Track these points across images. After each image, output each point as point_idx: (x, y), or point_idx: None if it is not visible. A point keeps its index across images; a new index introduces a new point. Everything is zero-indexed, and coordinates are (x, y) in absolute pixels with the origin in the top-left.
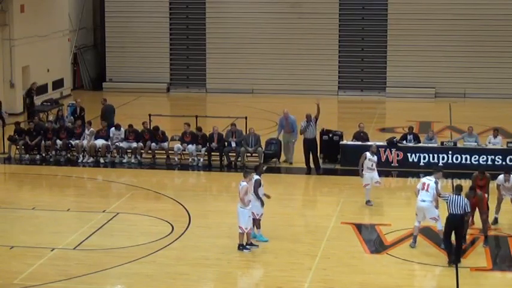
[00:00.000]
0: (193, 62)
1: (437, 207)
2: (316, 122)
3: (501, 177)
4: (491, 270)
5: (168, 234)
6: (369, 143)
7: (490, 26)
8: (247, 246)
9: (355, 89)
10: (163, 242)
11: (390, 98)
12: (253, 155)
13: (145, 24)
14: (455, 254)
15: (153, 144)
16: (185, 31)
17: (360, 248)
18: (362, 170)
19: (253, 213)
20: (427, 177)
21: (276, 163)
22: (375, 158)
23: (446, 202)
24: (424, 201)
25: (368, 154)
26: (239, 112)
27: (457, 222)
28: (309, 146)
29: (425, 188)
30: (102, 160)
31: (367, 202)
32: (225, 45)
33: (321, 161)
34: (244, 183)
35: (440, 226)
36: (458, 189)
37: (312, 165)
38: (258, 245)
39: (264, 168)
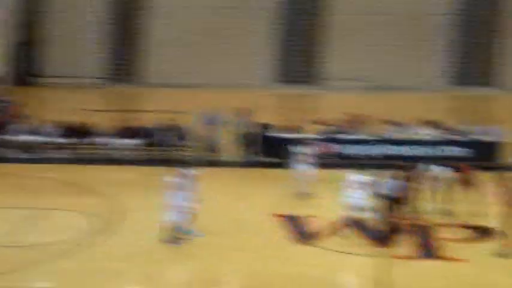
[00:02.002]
0: (130, 56)
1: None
2: (251, 117)
3: (430, 167)
4: (418, 258)
5: (102, 230)
6: (302, 136)
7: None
8: (177, 241)
9: (292, 82)
10: (97, 237)
11: (325, 91)
12: (189, 149)
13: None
14: (384, 239)
15: (89, 139)
16: (121, 26)
17: (291, 240)
18: (297, 165)
19: (186, 207)
20: (360, 175)
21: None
22: (310, 150)
23: (380, 190)
24: (355, 197)
25: (302, 148)
26: (177, 106)
27: (394, 204)
28: (243, 139)
29: (358, 186)
30: None
31: (300, 194)
32: (163, 40)
33: (255, 154)
34: (175, 179)
35: (373, 215)
36: (389, 173)
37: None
38: (190, 238)
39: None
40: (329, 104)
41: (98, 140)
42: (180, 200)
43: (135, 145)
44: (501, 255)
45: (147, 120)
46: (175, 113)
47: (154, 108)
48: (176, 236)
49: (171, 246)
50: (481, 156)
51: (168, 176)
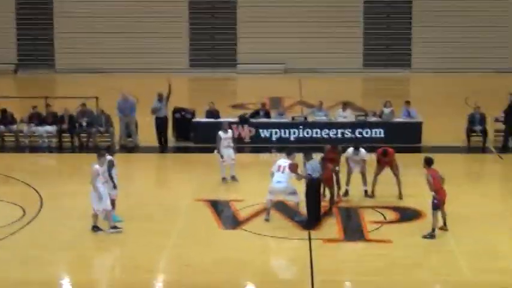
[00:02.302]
0: (41, 41)
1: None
2: (167, 101)
3: (350, 150)
4: (343, 241)
5: (20, 218)
6: (220, 120)
7: (334, 2)
8: (110, 230)
9: (206, 66)
10: (14, 226)
11: (241, 74)
12: (105, 135)
13: None
14: (309, 222)
15: (1, 126)
16: (31, 10)
17: (215, 225)
18: (219, 150)
19: (109, 194)
20: (283, 159)
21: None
22: (230, 134)
23: (307, 173)
24: (279, 182)
25: (221, 133)
26: (89, 92)
27: (317, 185)
28: (161, 124)
29: (281, 169)
30: None
31: (224, 178)
32: (74, 23)
33: (173, 139)
34: (96, 165)
35: (298, 198)
36: (309, 155)
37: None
38: (121, 228)
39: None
40: (245, 87)
41: (13, 127)
42: (103, 186)
43: (50, 132)
44: (426, 236)
45: (61, 106)
46: (89, 99)
47: (66, 94)
48: (110, 225)
49: (96, 232)
50: (399, 137)
51: (91, 162)
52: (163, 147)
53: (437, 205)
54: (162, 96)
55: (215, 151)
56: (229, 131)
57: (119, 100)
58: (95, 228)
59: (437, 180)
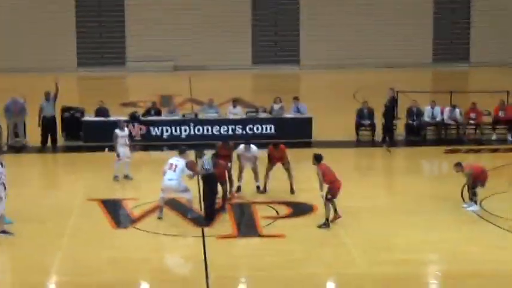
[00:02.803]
0: None
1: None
2: (55, 101)
3: (241, 147)
4: (237, 237)
5: None
6: (111, 119)
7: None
8: (1, 234)
9: (94, 65)
10: None
11: (131, 72)
12: None
13: None
14: (204, 219)
15: None
16: None
17: (108, 224)
18: (116, 149)
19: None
20: (175, 158)
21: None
22: (126, 132)
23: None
24: (171, 179)
25: (118, 131)
26: None
27: (214, 179)
28: (47, 124)
29: (173, 168)
30: None
31: (117, 177)
32: None
33: (63, 138)
34: None
35: (190, 195)
36: (201, 152)
37: (49, 143)
38: (13, 233)
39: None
40: (135, 86)
41: None
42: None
43: None
44: (320, 226)
45: None
46: None
47: None
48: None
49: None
50: (289, 133)
51: None
52: (54, 147)
53: (332, 198)
54: (49, 95)
55: (106, 149)
56: (126, 129)
57: (8, 102)
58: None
59: (329, 172)
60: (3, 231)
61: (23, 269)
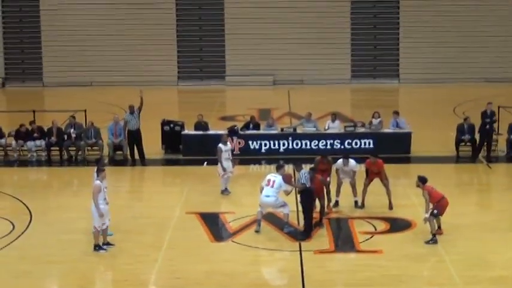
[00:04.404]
0: (29, 55)
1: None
2: (139, 113)
3: (340, 161)
4: (334, 252)
5: (9, 233)
6: (211, 133)
7: (321, 14)
8: (104, 246)
9: (195, 79)
10: (4, 240)
11: (230, 86)
12: (94, 148)
13: None
14: (301, 234)
15: None
16: (19, 24)
17: (206, 237)
18: (222, 163)
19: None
20: (272, 174)
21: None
22: (229, 146)
23: (301, 182)
24: (268, 196)
25: (221, 146)
26: (78, 105)
27: (312, 194)
28: (133, 137)
29: (271, 184)
30: None
31: (224, 191)
32: (61, 37)
33: (162, 151)
34: (98, 181)
35: (287, 210)
36: (299, 166)
37: (137, 156)
38: (114, 244)
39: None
40: (234, 100)
41: (2, 141)
42: (104, 203)
43: (39, 146)
44: (428, 242)
45: (54, 119)
46: (77, 112)
47: (58, 107)
48: (103, 241)
49: (98, 252)
50: (388, 147)
51: (78, 176)
52: (135, 160)
53: (437, 215)
54: (133, 108)
55: (205, 163)
56: (228, 143)
57: (110, 124)
58: (97, 247)
59: (435, 192)
60: (108, 243)
61: (121, 281)
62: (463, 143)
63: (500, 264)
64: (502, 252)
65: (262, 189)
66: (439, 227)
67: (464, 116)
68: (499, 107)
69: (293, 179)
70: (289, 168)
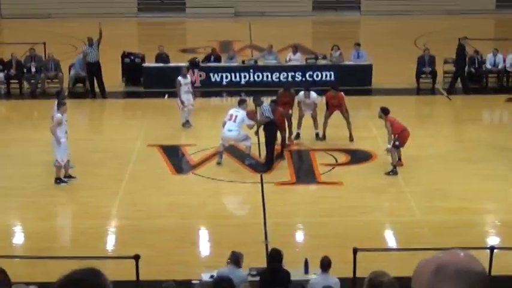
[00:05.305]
0: None
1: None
2: (98, 46)
3: (301, 93)
4: (295, 183)
5: None
6: (172, 65)
7: None
8: (65, 179)
9: (155, 10)
10: None
11: (190, 18)
12: (54, 80)
13: None
14: (263, 166)
15: None
16: None
17: (167, 170)
18: (180, 96)
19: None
20: (234, 108)
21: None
22: (188, 79)
23: (265, 115)
24: (230, 130)
25: (181, 78)
26: (37, 38)
27: (276, 127)
28: (92, 70)
29: (233, 119)
30: None
31: (185, 124)
32: None
33: (123, 84)
34: (58, 114)
35: (249, 143)
36: (259, 100)
37: (97, 89)
38: (76, 177)
39: None
40: (195, 32)
41: None
42: (63, 134)
43: (1, 77)
44: (389, 173)
45: (12, 52)
46: (36, 44)
47: (17, 40)
48: (65, 174)
49: (59, 184)
50: (349, 80)
51: (39, 109)
52: (95, 93)
53: (398, 146)
54: (92, 40)
55: (166, 96)
56: (188, 76)
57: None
58: (58, 180)
59: (397, 124)
60: (70, 176)
61: (82, 213)
62: (424, 75)
63: (457, 195)
64: (460, 183)
65: (224, 123)
66: (399, 159)
67: (425, 48)
68: (459, 39)
69: (256, 114)
70: (249, 101)
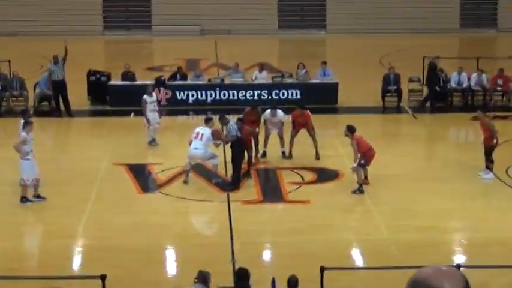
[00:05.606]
0: None
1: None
2: (64, 64)
3: (268, 112)
4: (261, 202)
5: None
6: (138, 83)
7: None
8: (32, 199)
9: (121, 28)
10: None
11: (157, 36)
12: (19, 99)
13: None
14: (229, 185)
15: None
16: None
17: (133, 188)
18: (146, 115)
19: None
20: (201, 127)
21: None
22: (154, 97)
23: (232, 134)
24: (197, 149)
25: (146, 97)
26: (2, 55)
27: (244, 145)
28: (57, 88)
29: (199, 137)
30: None
31: (151, 142)
32: None
33: (89, 102)
34: (23, 133)
35: (216, 161)
36: (225, 118)
37: (62, 108)
38: (46, 198)
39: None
40: (161, 50)
41: None
42: (31, 154)
43: None
44: (355, 191)
45: None
46: (1, 62)
47: None
48: (34, 194)
49: (25, 203)
50: (315, 98)
51: (5, 128)
52: (61, 111)
53: (364, 165)
54: (57, 58)
55: (132, 114)
56: (154, 94)
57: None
58: (24, 199)
59: (363, 142)
60: (39, 196)
61: (48, 233)
62: (389, 94)
63: (425, 214)
64: (427, 202)
65: (191, 142)
66: (366, 177)
67: (390, 66)
68: (424, 58)
69: (222, 133)
70: (216, 122)
